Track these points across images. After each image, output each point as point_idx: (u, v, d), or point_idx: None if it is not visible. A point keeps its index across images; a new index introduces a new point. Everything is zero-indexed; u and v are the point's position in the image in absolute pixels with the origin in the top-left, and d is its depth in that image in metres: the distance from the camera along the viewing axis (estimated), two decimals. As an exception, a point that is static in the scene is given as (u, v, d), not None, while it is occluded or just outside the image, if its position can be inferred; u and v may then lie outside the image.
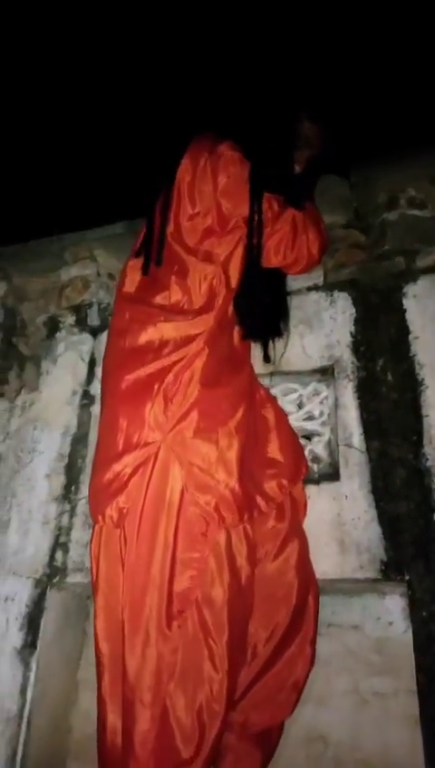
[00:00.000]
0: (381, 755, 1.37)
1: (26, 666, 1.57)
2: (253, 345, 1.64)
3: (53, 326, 2.12)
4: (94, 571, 1.31)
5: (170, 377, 1.33)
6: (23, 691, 1.55)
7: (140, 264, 1.53)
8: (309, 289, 1.81)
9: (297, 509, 1.44)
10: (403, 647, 1.37)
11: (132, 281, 1.54)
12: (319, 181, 1.83)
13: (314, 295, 1.79)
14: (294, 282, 1.79)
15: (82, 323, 2.07)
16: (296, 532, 1.40)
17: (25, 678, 1.56)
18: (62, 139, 2.60)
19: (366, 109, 2.08)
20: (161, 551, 1.22)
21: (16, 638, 1.61)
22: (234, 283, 1.49)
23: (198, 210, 1.51)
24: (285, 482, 1.41)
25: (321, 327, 1.73)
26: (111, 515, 1.29)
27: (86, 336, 2.04)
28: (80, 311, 2.09)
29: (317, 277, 1.82)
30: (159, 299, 1.46)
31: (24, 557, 1.71)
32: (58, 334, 2.08)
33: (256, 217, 1.49)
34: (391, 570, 1.36)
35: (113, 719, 1.20)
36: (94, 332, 2.03)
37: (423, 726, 1.22)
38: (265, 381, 1.69)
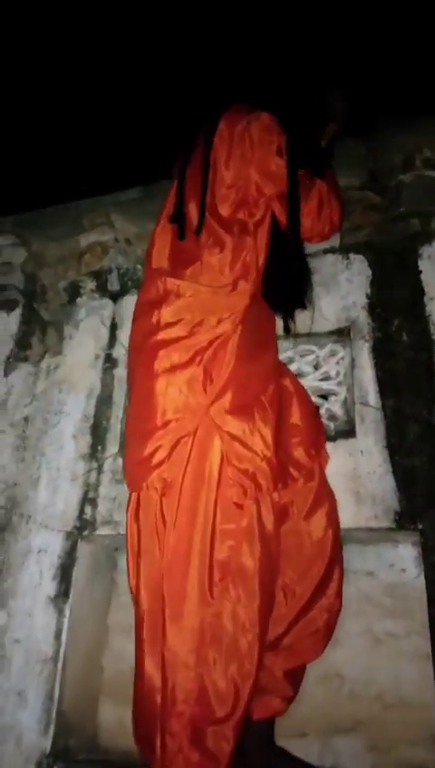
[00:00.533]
0: (394, 690, 1.47)
1: (60, 612, 1.68)
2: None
3: (73, 291, 2.17)
4: (134, 536, 1.38)
5: (209, 353, 1.37)
6: (57, 636, 1.66)
7: (168, 231, 1.54)
8: (325, 251, 1.84)
9: (322, 470, 1.50)
10: (415, 591, 1.45)
11: (161, 251, 1.55)
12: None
13: (330, 257, 1.83)
14: (310, 245, 1.83)
15: (102, 289, 2.12)
16: (327, 491, 1.47)
17: (60, 624, 1.67)
18: (78, 105, 2.60)
19: (384, 70, 2.07)
20: (202, 520, 1.29)
21: (50, 587, 1.71)
22: (263, 256, 1.50)
23: (233, 180, 1.52)
24: (313, 451, 1.48)
25: (337, 289, 1.77)
26: (154, 486, 1.36)
27: (106, 301, 2.09)
28: (100, 276, 2.13)
29: (333, 240, 1.84)
30: (192, 272, 1.46)
31: (54, 512, 1.80)
32: (79, 299, 2.13)
33: (295, 192, 1.50)
34: (405, 519, 1.44)
35: (151, 672, 1.28)
36: (114, 298, 2.08)
37: (433, 660, 1.31)
38: (286, 344, 1.74)
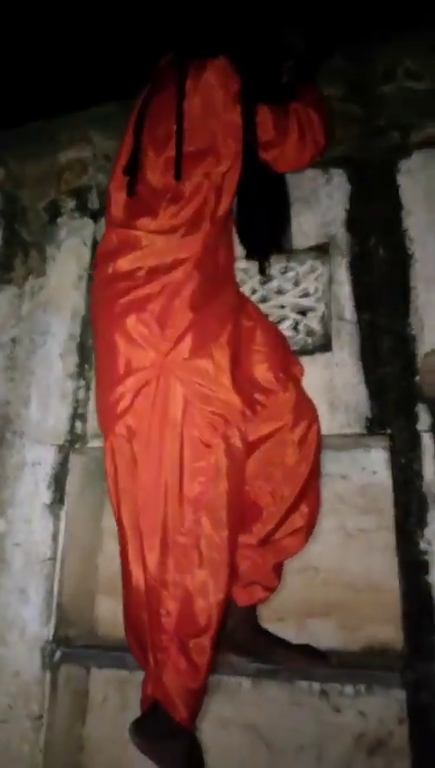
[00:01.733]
0: (364, 578, 1.62)
1: (56, 517, 1.79)
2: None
3: (53, 211, 2.16)
4: (112, 476, 1.46)
5: (162, 300, 1.40)
6: (54, 538, 1.78)
7: (123, 182, 1.53)
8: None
9: (297, 384, 1.58)
10: (385, 491, 1.57)
11: (118, 202, 1.54)
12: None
13: (310, 172, 1.82)
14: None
15: (82, 208, 2.11)
16: (306, 403, 1.55)
17: (56, 528, 1.78)
18: (50, 19, 2.48)
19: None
20: (169, 462, 1.38)
21: (45, 495, 1.82)
22: (226, 203, 1.50)
23: (199, 130, 1.49)
24: (280, 373, 1.54)
25: (317, 205, 1.79)
26: (121, 433, 1.43)
27: (87, 221, 2.09)
28: (80, 195, 2.12)
29: (313, 154, 1.85)
30: (146, 222, 1.47)
31: (46, 427, 1.88)
32: (59, 219, 2.13)
33: (250, 128, 1.49)
34: (375, 425, 1.54)
35: (138, 587, 1.40)
36: (95, 216, 2.08)
37: (399, 549, 1.45)
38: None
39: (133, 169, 1.52)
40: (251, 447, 1.47)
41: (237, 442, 1.41)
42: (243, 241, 1.61)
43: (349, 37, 1.91)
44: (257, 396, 1.50)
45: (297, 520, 1.50)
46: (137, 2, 2.43)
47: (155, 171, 1.51)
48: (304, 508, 1.50)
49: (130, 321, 1.42)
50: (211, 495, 1.37)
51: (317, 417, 1.54)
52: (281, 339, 1.64)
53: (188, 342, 1.40)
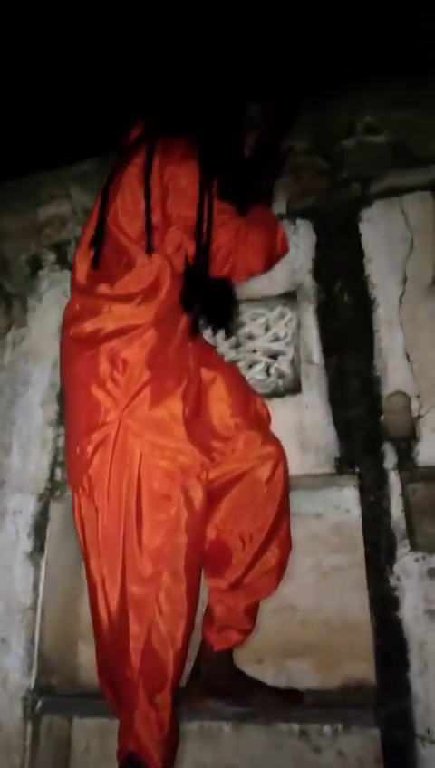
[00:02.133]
0: (339, 616, 1.64)
1: (36, 566, 1.81)
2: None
3: (35, 264, 2.24)
4: (81, 537, 1.50)
5: (120, 360, 1.47)
6: (35, 587, 1.79)
7: (88, 254, 1.59)
8: (274, 218, 1.93)
9: (262, 426, 1.61)
10: (358, 529, 1.59)
11: (82, 271, 1.60)
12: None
13: (277, 224, 1.92)
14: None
15: (62, 261, 2.19)
16: (273, 443, 1.57)
17: (36, 577, 1.80)
18: (31, 80, 2.62)
19: (325, 37, 2.13)
20: (127, 515, 1.41)
21: (26, 544, 1.84)
22: (178, 276, 1.55)
23: (143, 205, 1.54)
24: (238, 419, 1.56)
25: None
26: (84, 486, 1.49)
27: (67, 273, 2.15)
28: (60, 248, 2.20)
29: (281, 206, 1.94)
30: (105, 288, 1.54)
31: (26, 475, 1.92)
32: (41, 272, 2.21)
33: (206, 222, 1.53)
34: (344, 465, 1.59)
35: (104, 633, 1.43)
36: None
37: (369, 585, 1.48)
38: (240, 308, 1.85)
39: (99, 243, 1.58)
40: (219, 492, 1.51)
41: (197, 493, 1.44)
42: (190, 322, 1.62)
43: (313, 93, 2.03)
44: (217, 444, 1.52)
45: (268, 561, 1.51)
46: (115, 64, 2.57)
47: (117, 242, 1.57)
48: (274, 548, 1.51)
49: (91, 379, 1.48)
50: (171, 548, 1.40)
51: (284, 456, 1.56)
52: (243, 384, 1.68)
53: (143, 398, 1.46)
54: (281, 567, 1.53)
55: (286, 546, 1.54)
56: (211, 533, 1.52)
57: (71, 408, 1.57)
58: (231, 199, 1.58)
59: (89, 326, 1.52)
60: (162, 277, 1.53)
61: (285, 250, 1.68)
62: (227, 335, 1.71)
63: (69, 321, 1.59)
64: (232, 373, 1.67)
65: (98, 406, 1.47)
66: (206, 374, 1.59)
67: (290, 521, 1.56)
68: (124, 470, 1.44)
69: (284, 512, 1.54)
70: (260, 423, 1.61)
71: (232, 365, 1.75)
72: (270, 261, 1.64)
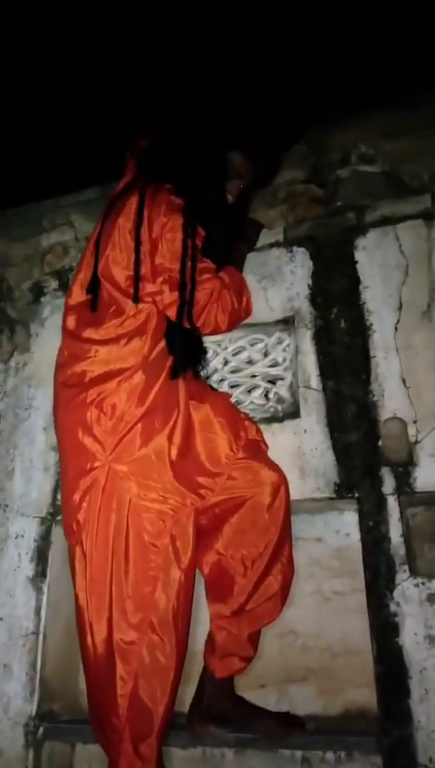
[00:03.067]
0: (341, 641, 1.64)
1: (39, 591, 1.82)
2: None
3: (37, 291, 2.28)
4: (72, 580, 1.52)
5: (108, 404, 1.48)
6: (37, 612, 1.81)
7: (78, 300, 1.64)
8: (271, 245, 1.97)
9: (257, 451, 1.61)
10: (358, 553, 1.61)
11: (71, 318, 1.64)
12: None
13: (275, 251, 1.96)
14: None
15: (64, 287, 2.23)
16: (271, 467, 1.57)
17: (39, 601, 1.82)
18: (32, 110, 2.69)
19: (320, 66, 2.19)
20: (111, 562, 1.42)
21: (28, 568, 1.86)
22: (164, 321, 1.59)
23: (133, 258, 1.58)
24: (231, 450, 1.55)
25: (282, 281, 1.91)
26: (74, 531, 1.50)
27: (69, 299, 2.20)
28: (61, 276, 2.25)
29: (278, 233, 1.99)
30: (91, 332, 1.56)
31: (29, 500, 1.94)
32: (43, 299, 2.25)
33: (190, 274, 1.55)
34: (343, 489, 1.61)
35: (92, 675, 1.44)
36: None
37: (370, 611, 1.49)
38: (237, 334, 1.87)
39: (95, 288, 1.60)
40: (220, 519, 1.52)
41: (185, 541, 1.45)
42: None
43: (309, 124, 2.09)
44: (204, 480, 1.51)
45: (271, 586, 1.50)
46: (116, 95, 2.63)
47: (106, 291, 1.59)
48: (277, 574, 1.51)
49: (78, 425, 1.50)
50: (158, 598, 1.41)
51: (285, 481, 1.56)
52: (233, 414, 1.65)
53: (130, 440, 1.47)
54: (284, 592, 1.52)
55: (289, 571, 1.54)
56: (212, 558, 1.53)
57: (62, 455, 1.60)
58: (211, 256, 1.62)
59: (76, 370, 1.54)
60: (149, 321, 1.55)
61: (249, 313, 1.72)
62: (196, 376, 1.70)
63: (59, 366, 1.63)
64: (222, 403, 1.65)
65: (85, 452, 1.48)
66: (194, 408, 1.59)
67: (292, 545, 1.57)
68: (111, 516, 1.45)
69: (286, 536, 1.54)
70: (257, 450, 1.61)
71: (222, 395, 1.76)
72: (234, 323, 1.68)
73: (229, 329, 1.67)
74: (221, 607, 1.50)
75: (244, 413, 1.70)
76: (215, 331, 1.66)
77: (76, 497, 1.48)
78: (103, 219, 1.68)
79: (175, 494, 1.46)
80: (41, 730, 1.69)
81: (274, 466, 1.57)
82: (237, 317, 1.68)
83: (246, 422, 1.64)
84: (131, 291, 1.56)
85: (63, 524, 1.57)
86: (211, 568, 1.53)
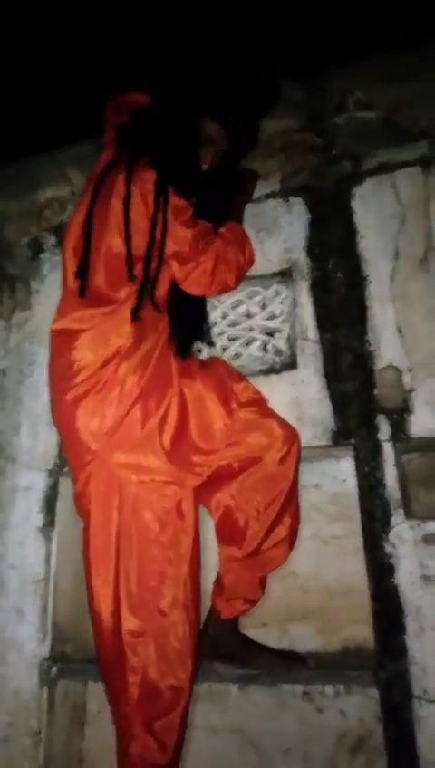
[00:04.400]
0: (338, 582, 1.71)
1: (48, 539, 1.89)
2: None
3: (36, 247, 2.28)
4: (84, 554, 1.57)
5: (100, 396, 1.49)
6: (47, 560, 1.88)
7: (68, 284, 1.64)
8: (267, 196, 1.96)
9: (257, 406, 1.62)
10: (354, 498, 1.65)
11: (63, 305, 1.65)
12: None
13: (271, 202, 1.95)
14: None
15: (62, 243, 2.22)
16: (281, 421, 1.60)
17: (48, 550, 1.89)
18: (23, 65, 2.63)
19: (317, 12, 2.12)
20: (115, 549, 1.48)
21: (37, 519, 1.92)
22: (160, 297, 1.60)
23: (121, 235, 1.56)
24: (224, 426, 1.56)
25: (279, 232, 1.90)
26: (84, 515, 1.56)
27: (68, 256, 2.20)
28: (59, 231, 2.24)
29: (274, 184, 1.97)
30: (81, 320, 1.56)
31: (36, 453, 1.99)
32: (42, 255, 2.25)
33: (159, 230, 1.54)
34: (340, 437, 1.64)
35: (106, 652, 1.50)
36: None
37: (366, 553, 1.54)
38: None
39: (84, 273, 1.58)
40: (232, 472, 1.56)
41: (189, 510, 1.50)
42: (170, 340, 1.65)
43: (304, 70, 2.04)
44: (198, 458, 1.53)
45: (280, 531, 1.56)
46: (108, 47, 2.57)
47: (96, 271, 1.58)
48: (286, 520, 1.56)
49: (75, 415, 1.51)
50: (169, 582, 1.46)
51: (295, 435, 1.58)
52: (222, 384, 1.63)
53: (124, 427, 1.49)
54: (292, 537, 1.57)
55: (296, 517, 1.59)
56: (225, 501, 1.57)
57: (63, 443, 1.64)
58: (206, 218, 1.61)
59: (69, 359, 1.54)
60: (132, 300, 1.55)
61: (252, 263, 1.72)
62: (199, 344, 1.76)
63: (52, 355, 1.63)
64: (212, 376, 1.64)
65: (80, 442, 1.51)
66: (186, 386, 1.59)
67: (298, 492, 1.61)
68: (113, 513, 1.49)
69: (294, 486, 1.58)
70: (262, 406, 1.62)
71: (212, 363, 1.73)
72: (241, 277, 1.69)
73: (238, 284, 1.69)
74: (233, 550, 1.55)
75: (236, 371, 1.70)
76: (225, 290, 1.68)
77: (81, 483, 1.54)
78: (91, 200, 1.63)
79: (172, 476, 1.49)
80: (54, 670, 1.78)
81: (283, 422, 1.60)
82: (243, 271, 1.69)
83: (239, 385, 1.64)
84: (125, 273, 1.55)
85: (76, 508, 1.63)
86: (223, 512, 1.58)
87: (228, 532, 1.58)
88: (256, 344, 1.86)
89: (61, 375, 1.57)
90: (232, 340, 1.90)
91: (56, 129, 2.56)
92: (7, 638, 1.84)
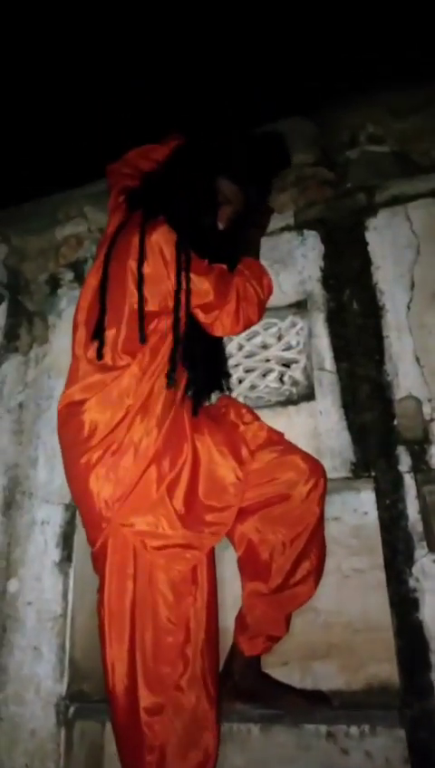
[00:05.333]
0: (361, 617, 1.67)
1: (66, 575, 1.87)
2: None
3: (54, 283, 2.32)
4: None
5: (109, 459, 1.47)
6: (64, 595, 1.85)
7: (82, 345, 1.60)
8: (282, 229, 1.99)
9: (274, 444, 1.59)
10: (376, 531, 1.63)
11: (73, 374, 1.61)
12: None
13: (286, 235, 1.97)
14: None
15: (79, 279, 2.26)
16: (306, 456, 1.57)
17: (65, 586, 1.86)
18: (44, 106, 2.72)
19: (328, 49, 2.18)
20: (130, 628, 1.43)
21: (54, 553, 1.91)
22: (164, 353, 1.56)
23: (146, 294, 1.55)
24: (237, 480, 1.52)
25: (294, 264, 1.92)
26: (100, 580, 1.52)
27: (85, 290, 2.23)
28: (76, 267, 2.28)
29: (288, 217, 2.00)
30: (92, 383, 1.54)
31: (53, 487, 1.98)
32: (59, 290, 2.29)
33: (183, 292, 1.54)
34: (360, 468, 1.63)
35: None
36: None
37: (389, 587, 1.51)
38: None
39: (101, 333, 1.56)
40: (256, 508, 1.53)
41: (201, 597, 1.44)
42: (187, 391, 1.63)
43: (316, 105, 2.09)
44: (211, 517, 1.49)
45: (306, 566, 1.53)
46: (125, 90, 2.66)
47: (110, 334, 1.56)
48: (312, 554, 1.53)
49: (88, 479, 1.48)
50: (184, 662, 1.41)
51: (322, 470, 1.56)
52: (231, 434, 1.60)
53: (137, 492, 1.46)
54: (319, 572, 1.54)
55: (323, 551, 1.56)
56: (250, 534, 1.55)
57: (77, 504, 1.60)
58: (219, 260, 1.62)
59: (80, 423, 1.52)
60: (152, 357, 1.53)
61: (270, 293, 1.73)
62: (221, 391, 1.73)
63: (61, 420, 1.60)
64: (219, 427, 1.61)
65: (94, 509, 1.48)
66: (198, 441, 1.55)
67: (324, 526, 1.57)
68: (128, 583, 1.45)
69: (322, 519, 1.56)
70: (282, 443, 1.60)
71: (220, 404, 1.72)
72: (263, 310, 1.71)
73: (260, 318, 1.71)
74: (258, 585, 1.52)
75: (246, 410, 1.67)
76: (249, 326, 1.69)
77: (95, 550, 1.51)
78: (105, 264, 1.63)
79: (187, 541, 1.45)
80: (71, 710, 1.74)
81: (306, 456, 1.58)
82: (264, 304, 1.71)
83: (252, 426, 1.61)
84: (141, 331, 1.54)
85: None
86: (247, 545, 1.55)
87: (253, 567, 1.55)
88: (273, 375, 1.86)
89: (72, 441, 1.55)
90: (248, 371, 1.91)
91: (72, 167, 2.63)
92: (24, 677, 1.81)
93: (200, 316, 1.61)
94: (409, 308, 1.71)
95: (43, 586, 1.87)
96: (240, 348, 1.92)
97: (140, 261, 1.55)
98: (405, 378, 1.65)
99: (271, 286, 1.73)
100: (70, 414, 1.56)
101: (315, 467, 1.56)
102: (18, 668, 1.82)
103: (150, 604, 1.44)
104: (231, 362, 1.92)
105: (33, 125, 2.90)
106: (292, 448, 1.60)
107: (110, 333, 1.55)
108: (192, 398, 1.61)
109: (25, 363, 2.26)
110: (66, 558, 1.89)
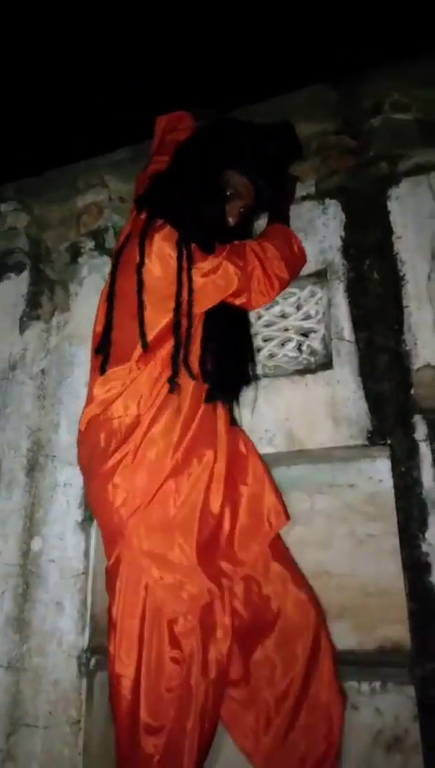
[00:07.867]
0: (374, 581, 1.71)
1: (87, 534, 1.93)
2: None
3: (75, 252, 2.34)
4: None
5: (127, 469, 1.47)
6: (86, 554, 1.92)
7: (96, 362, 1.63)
8: (303, 198, 1.98)
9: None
10: (390, 498, 1.66)
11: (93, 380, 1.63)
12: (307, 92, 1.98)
13: (307, 204, 1.97)
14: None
15: (100, 247, 2.28)
16: (301, 580, 1.61)
17: (87, 544, 1.93)
18: (68, 78, 2.71)
19: (352, 16, 2.14)
20: (138, 649, 1.44)
21: (77, 513, 1.97)
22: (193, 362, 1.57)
23: (150, 299, 1.56)
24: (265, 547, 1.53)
25: (314, 233, 1.92)
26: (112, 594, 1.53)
27: (105, 258, 2.25)
28: (97, 236, 2.29)
29: (310, 186, 1.99)
30: (102, 393, 1.56)
31: (74, 450, 2.02)
32: (80, 259, 2.30)
33: (185, 291, 1.54)
34: (376, 437, 1.65)
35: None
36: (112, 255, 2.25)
37: (402, 552, 1.55)
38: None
39: (106, 348, 1.59)
40: (247, 637, 1.54)
41: (216, 651, 1.45)
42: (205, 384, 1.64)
43: (340, 72, 2.06)
44: (227, 567, 1.49)
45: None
46: (144, 58, 2.63)
47: (121, 335, 1.59)
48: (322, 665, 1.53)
49: (106, 491, 1.50)
50: (184, 689, 1.42)
51: (314, 602, 1.59)
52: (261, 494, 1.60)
53: (154, 504, 1.46)
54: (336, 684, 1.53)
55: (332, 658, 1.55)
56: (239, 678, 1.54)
57: (95, 517, 1.63)
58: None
59: (99, 434, 1.55)
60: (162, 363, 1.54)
61: (303, 254, 1.74)
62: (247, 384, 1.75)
63: (83, 430, 1.63)
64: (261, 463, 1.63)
65: (112, 520, 1.50)
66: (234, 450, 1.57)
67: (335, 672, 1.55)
68: (136, 610, 1.45)
69: (313, 668, 1.53)
70: (284, 555, 1.61)
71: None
72: (293, 268, 1.71)
73: (293, 276, 1.72)
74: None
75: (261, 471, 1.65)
76: (284, 284, 1.71)
77: (110, 563, 1.53)
78: (112, 274, 1.66)
79: (193, 580, 1.43)
80: (93, 661, 1.82)
81: (302, 583, 1.60)
82: (296, 262, 1.73)
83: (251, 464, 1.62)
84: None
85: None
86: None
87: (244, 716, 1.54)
88: (291, 344, 1.88)
89: (90, 453, 1.57)
90: (267, 340, 1.93)
91: (93, 136, 2.63)
92: (47, 631, 1.89)
93: (236, 301, 1.61)
94: (429, 278, 1.71)
95: (66, 544, 1.94)
96: (259, 317, 1.94)
97: (140, 265, 1.56)
98: (424, 347, 1.66)
99: (302, 248, 1.74)
100: (89, 430, 1.59)
101: (309, 601, 1.57)
102: (41, 622, 1.89)
103: (157, 631, 1.45)
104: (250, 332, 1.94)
105: (55, 94, 2.89)
106: (298, 574, 1.62)
107: (122, 343, 1.56)
108: (213, 394, 1.59)
109: (47, 331, 2.30)
110: (88, 518, 1.95)
